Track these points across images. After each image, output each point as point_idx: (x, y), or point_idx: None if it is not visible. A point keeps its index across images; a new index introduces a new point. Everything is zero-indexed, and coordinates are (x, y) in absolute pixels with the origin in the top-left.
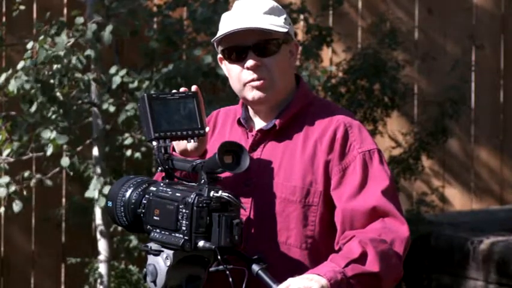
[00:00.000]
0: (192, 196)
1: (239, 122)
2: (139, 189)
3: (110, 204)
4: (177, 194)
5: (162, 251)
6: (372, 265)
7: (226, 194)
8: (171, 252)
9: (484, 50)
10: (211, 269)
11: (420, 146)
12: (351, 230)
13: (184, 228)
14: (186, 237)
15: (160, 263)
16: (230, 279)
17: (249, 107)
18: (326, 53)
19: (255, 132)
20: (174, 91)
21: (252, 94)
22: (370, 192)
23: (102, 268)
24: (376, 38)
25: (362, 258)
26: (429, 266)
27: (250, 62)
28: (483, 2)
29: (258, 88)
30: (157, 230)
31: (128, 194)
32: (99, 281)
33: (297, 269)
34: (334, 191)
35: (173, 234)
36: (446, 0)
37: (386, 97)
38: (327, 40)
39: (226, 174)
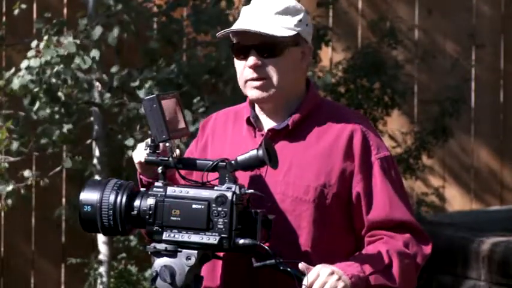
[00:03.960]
0: (229, 194)
1: (248, 121)
2: (127, 192)
3: (88, 209)
4: (204, 193)
5: (180, 251)
6: (394, 280)
7: (252, 191)
8: (194, 251)
9: (484, 49)
10: (256, 265)
11: (421, 145)
12: (379, 230)
13: (221, 226)
14: (223, 235)
15: (179, 263)
16: (291, 272)
17: (256, 106)
18: (326, 53)
19: (264, 131)
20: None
21: (251, 93)
22: (395, 205)
23: (102, 268)
24: (376, 37)
25: (386, 270)
26: (429, 266)
27: (250, 61)
28: (483, 2)
29: (257, 88)
30: (175, 231)
31: (112, 197)
32: (99, 281)
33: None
34: (362, 201)
35: (202, 234)
36: (446, 0)
37: (386, 96)
38: (325, 40)
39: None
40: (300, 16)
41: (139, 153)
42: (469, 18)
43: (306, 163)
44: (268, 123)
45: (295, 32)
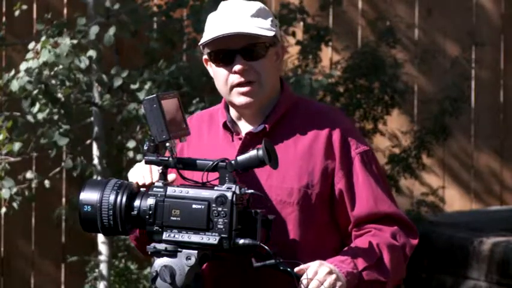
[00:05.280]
0: (229, 194)
1: (225, 126)
2: (127, 192)
3: (87, 209)
4: (204, 193)
5: (180, 251)
6: (385, 274)
7: (252, 191)
8: (194, 251)
9: (484, 49)
10: (256, 265)
11: (420, 144)
12: (366, 224)
13: (221, 226)
14: (223, 235)
15: (179, 263)
16: (291, 272)
17: (231, 110)
18: (326, 53)
19: (242, 135)
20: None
21: (239, 99)
22: (379, 198)
23: (103, 267)
24: (375, 36)
25: (377, 265)
26: (429, 266)
27: (237, 67)
28: (483, 2)
29: (245, 94)
30: (175, 231)
31: (112, 197)
32: (99, 279)
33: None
34: (345, 197)
35: (202, 234)
36: (446, 0)
37: (386, 95)
38: (325, 40)
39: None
40: (271, 17)
41: (136, 174)
42: (469, 18)
43: (287, 165)
44: (245, 127)
45: (274, 33)
